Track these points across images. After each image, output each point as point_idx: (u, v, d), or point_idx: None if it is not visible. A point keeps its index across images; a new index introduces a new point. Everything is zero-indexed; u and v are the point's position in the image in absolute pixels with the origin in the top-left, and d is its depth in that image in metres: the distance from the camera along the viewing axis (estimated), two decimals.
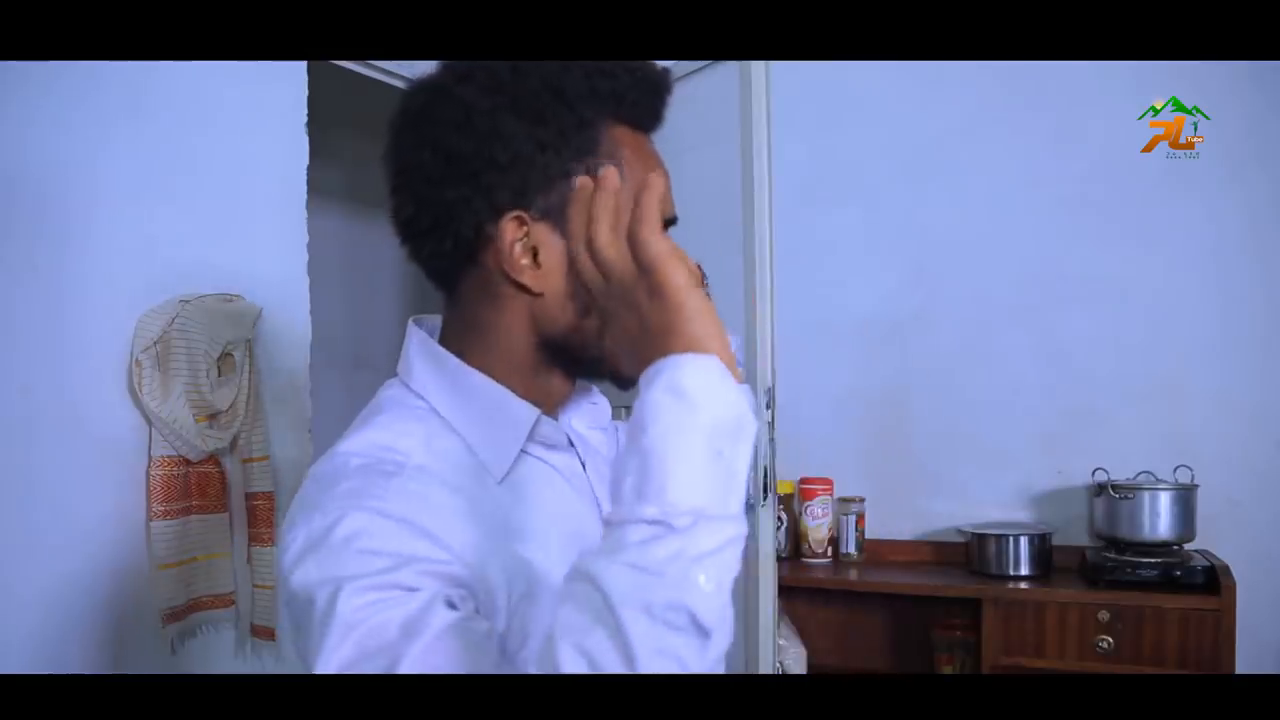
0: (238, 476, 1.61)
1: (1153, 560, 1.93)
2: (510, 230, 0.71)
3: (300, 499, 0.71)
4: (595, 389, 0.87)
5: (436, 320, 0.81)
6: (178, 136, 1.55)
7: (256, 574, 1.60)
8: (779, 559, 1.88)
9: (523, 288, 0.72)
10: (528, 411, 0.75)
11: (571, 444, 0.81)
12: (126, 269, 1.47)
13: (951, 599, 2.10)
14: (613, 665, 0.54)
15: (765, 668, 1.71)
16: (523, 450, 0.75)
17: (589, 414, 0.84)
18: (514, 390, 0.75)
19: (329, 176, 2.91)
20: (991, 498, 2.28)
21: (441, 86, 0.73)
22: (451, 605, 0.62)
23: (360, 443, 0.71)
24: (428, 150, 0.71)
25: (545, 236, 0.71)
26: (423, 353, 0.77)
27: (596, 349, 0.72)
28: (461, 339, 0.76)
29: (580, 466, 0.81)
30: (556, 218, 0.71)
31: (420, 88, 0.75)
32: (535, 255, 0.71)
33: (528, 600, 0.69)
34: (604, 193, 0.62)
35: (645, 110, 0.79)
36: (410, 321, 0.81)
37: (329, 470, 0.70)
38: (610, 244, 0.61)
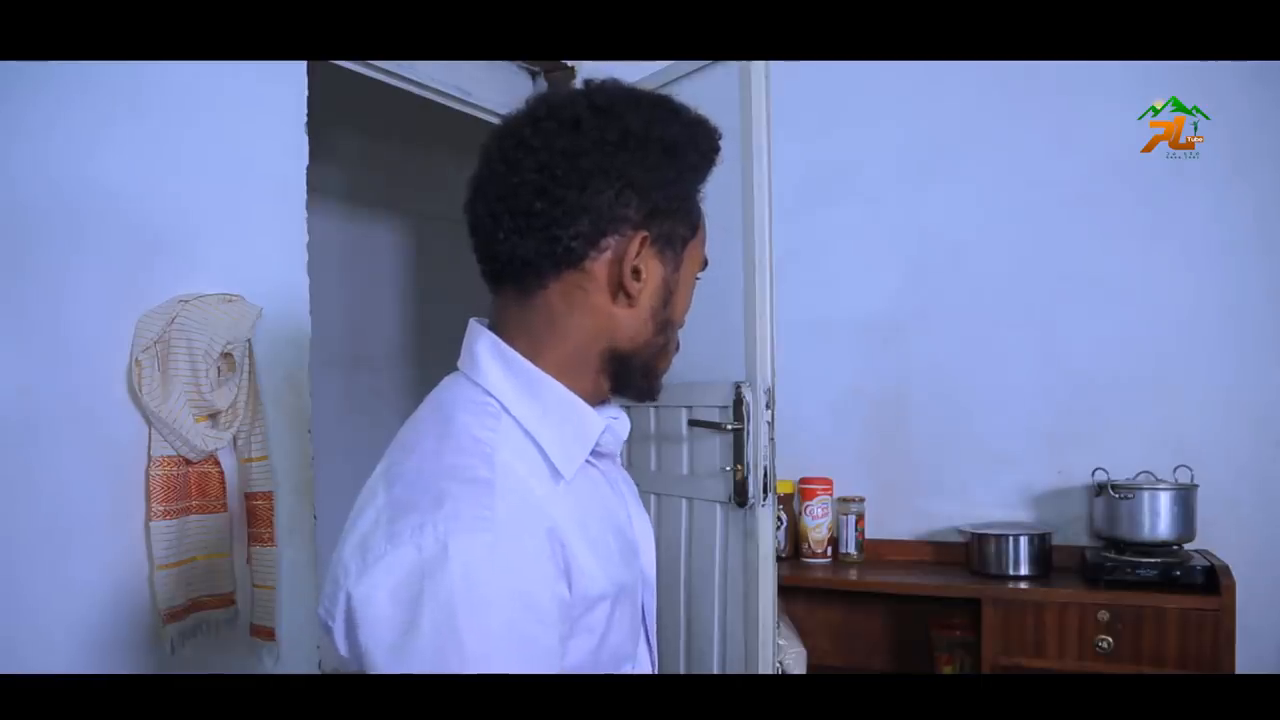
0: (237, 476, 1.61)
1: (1152, 560, 1.93)
2: (635, 246, 0.77)
3: (400, 501, 0.70)
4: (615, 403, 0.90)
5: (482, 320, 0.84)
6: (178, 136, 1.55)
7: (256, 574, 1.60)
8: (779, 559, 1.88)
9: (623, 298, 0.78)
10: (597, 421, 0.80)
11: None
12: (126, 269, 1.47)
13: (951, 599, 2.10)
14: None
15: (765, 668, 1.71)
16: None
17: (620, 425, 0.87)
18: (577, 395, 0.79)
19: (329, 176, 2.91)
20: (991, 498, 2.28)
21: (608, 107, 0.77)
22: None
23: (452, 446, 0.73)
24: (589, 155, 0.74)
25: (651, 259, 0.79)
26: (494, 353, 0.79)
27: (651, 363, 0.82)
28: (532, 338, 0.78)
29: (615, 474, 0.87)
30: (663, 245, 0.79)
31: (577, 96, 0.78)
32: (637, 272, 0.78)
33: (585, 602, 0.73)
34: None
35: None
36: (473, 321, 0.83)
37: (432, 473, 0.71)
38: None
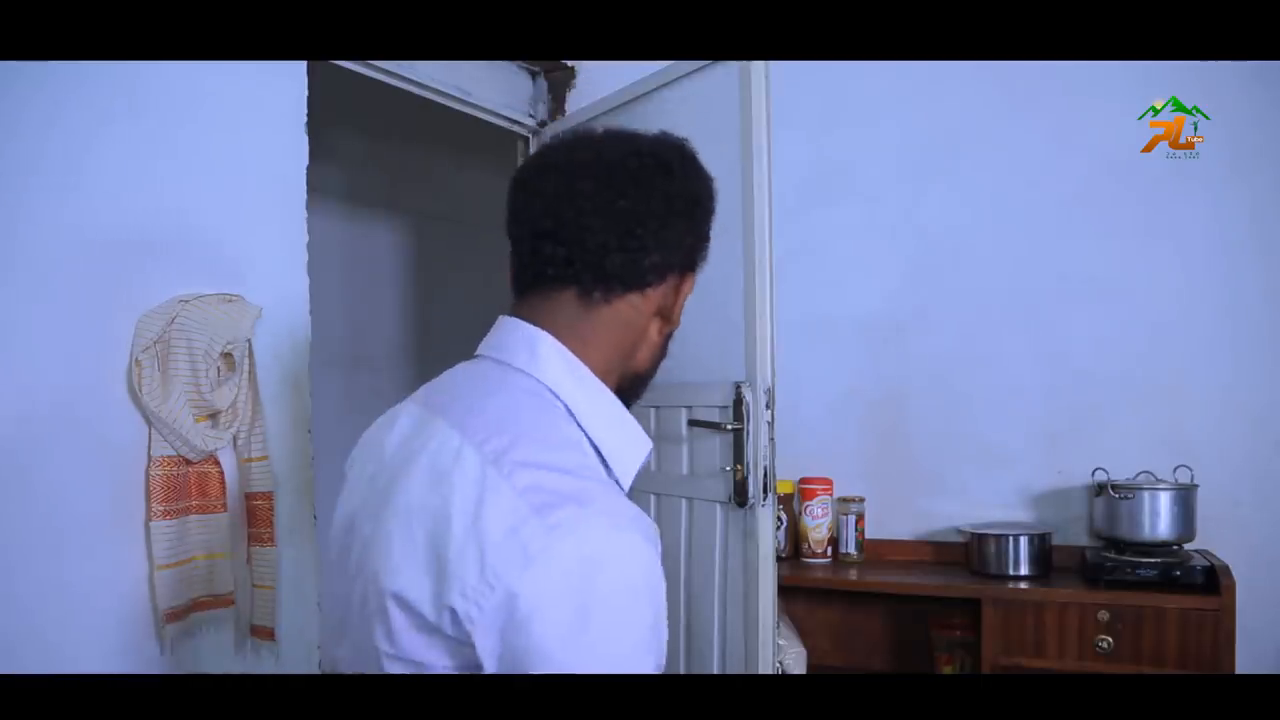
0: (237, 476, 1.61)
1: (1152, 560, 1.93)
2: (689, 283, 0.90)
3: (542, 489, 0.72)
4: None
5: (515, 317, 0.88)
6: (177, 136, 1.55)
7: (256, 574, 1.61)
8: (779, 559, 1.88)
9: (667, 321, 0.90)
10: (646, 440, 0.88)
11: None
12: (126, 269, 1.47)
13: (951, 599, 2.10)
14: None
15: (765, 668, 1.71)
16: None
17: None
18: None
19: (329, 176, 2.91)
20: (991, 498, 2.27)
21: (692, 160, 0.89)
22: None
23: (558, 440, 0.78)
24: (668, 208, 0.85)
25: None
26: (559, 355, 0.84)
27: (652, 372, 0.93)
28: (582, 343, 0.85)
29: None
30: (683, 279, 0.90)
31: (681, 151, 0.89)
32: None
33: None
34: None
35: None
36: (512, 317, 0.87)
37: (561, 466, 0.74)
38: None
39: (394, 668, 0.72)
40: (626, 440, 0.85)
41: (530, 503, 0.69)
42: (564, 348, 0.83)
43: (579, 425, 0.81)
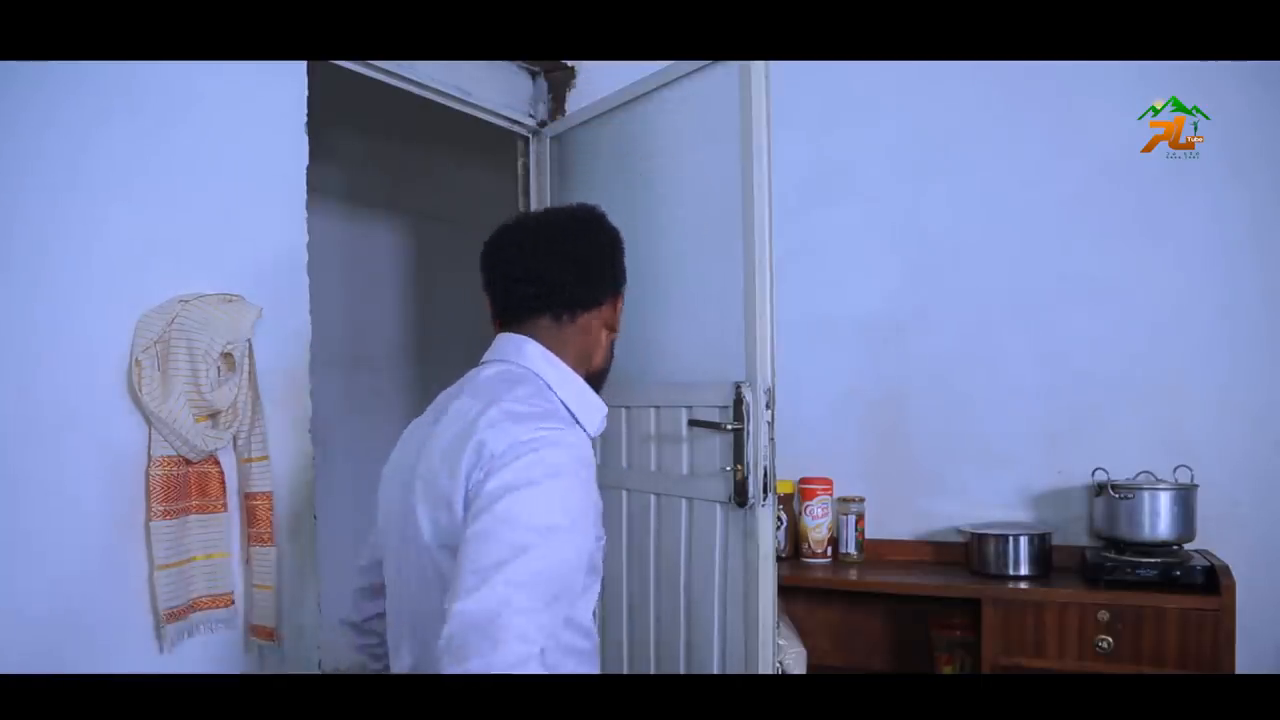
0: (237, 476, 1.62)
1: (1152, 560, 1.93)
2: (620, 301, 1.30)
3: (517, 411, 1.09)
4: None
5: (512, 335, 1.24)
6: (177, 136, 1.55)
7: (256, 574, 1.61)
8: (779, 559, 1.88)
9: (612, 330, 1.28)
10: (601, 405, 1.25)
11: None
12: (126, 269, 1.47)
13: (951, 599, 2.10)
14: None
15: (765, 668, 1.71)
16: None
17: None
18: None
19: (329, 176, 2.91)
20: (991, 498, 2.27)
21: (604, 217, 1.29)
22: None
23: (531, 393, 1.15)
24: (599, 253, 1.25)
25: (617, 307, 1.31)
26: (540, 352, 1.21)
27: (607, 369, 1.31)
28: (559, 347, 1.22)
29: None
30: (617, 299, 1.31)
31: (596, 214, 1.28)
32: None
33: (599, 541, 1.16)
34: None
35: None
36: (507, 334, 1.23)
37: (531, 402, 1.13)
38: None
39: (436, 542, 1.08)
40: (588, 405, 1.22)
41: (508, 411, 1.08)
42: (545, 349, 1.20)
43: (554, 393, 1.18)
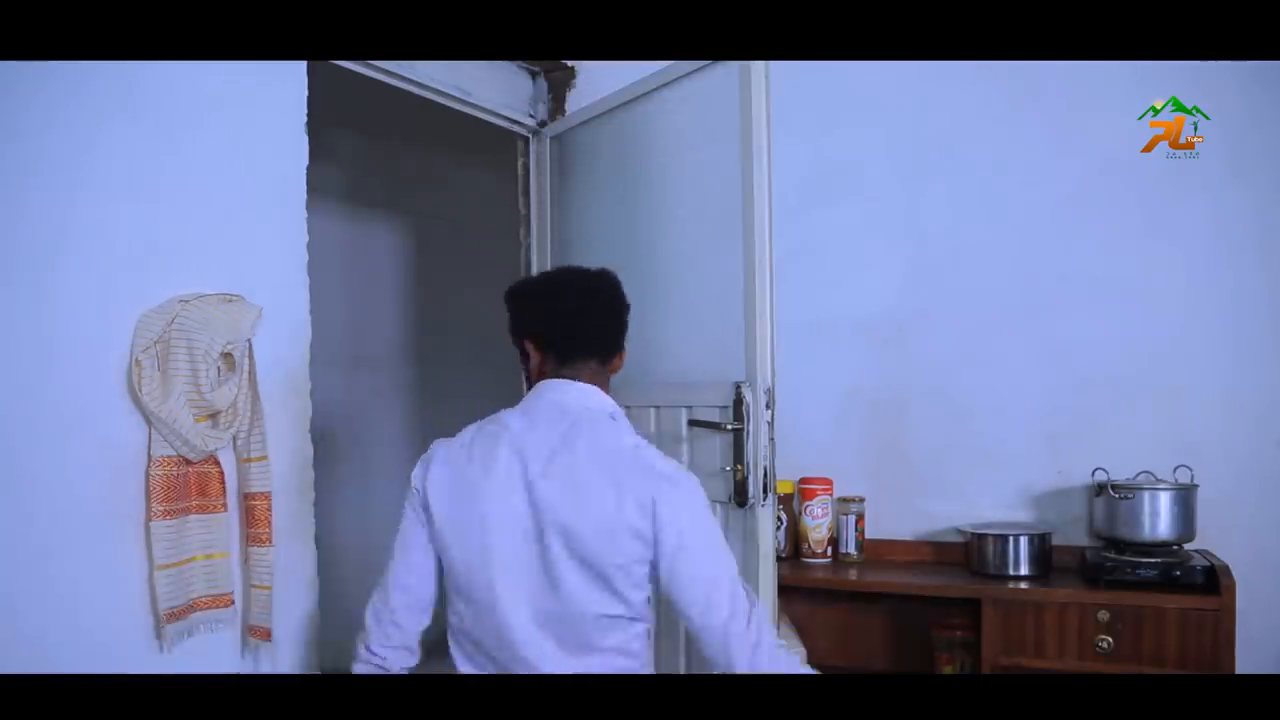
0: (237, 476, 1.61)
1: (1152, 560, 1.93)
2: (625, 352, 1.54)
3: (653, 451, 1.38)
4: None
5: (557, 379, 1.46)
6: (178, 137, 1.55)
7: (255, 574, 1.60)
8: (779, 559, 1.88)
9: (614, 371, 1.50)
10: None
11: None
12: (126, 269, 1.47)
13: (951, 599, 2.10)
14: None
15: None
16: None
17: None
18: None
19: (329, 176, 2.91)
20: (991, 498, 2.27)
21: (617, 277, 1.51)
22: None
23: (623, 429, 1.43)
24: (625, 309, 1.50)
25: None
26: (598, 393, 1.45)
27: None
28: (600, 383, 1.46)
29: None
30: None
31: (617, 278, 1.50)
32: None
33: None
34: None
35: None
36: (554, 380, 1.43)
37: (650, 446, 1.40)
38: None
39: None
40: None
41: (632, 445, 1.37)
42: (597, 388, 1.45)
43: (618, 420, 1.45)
